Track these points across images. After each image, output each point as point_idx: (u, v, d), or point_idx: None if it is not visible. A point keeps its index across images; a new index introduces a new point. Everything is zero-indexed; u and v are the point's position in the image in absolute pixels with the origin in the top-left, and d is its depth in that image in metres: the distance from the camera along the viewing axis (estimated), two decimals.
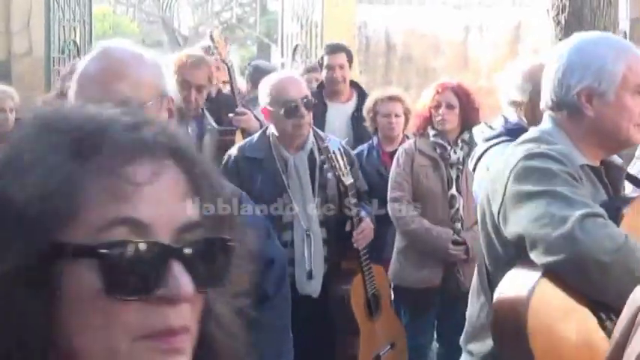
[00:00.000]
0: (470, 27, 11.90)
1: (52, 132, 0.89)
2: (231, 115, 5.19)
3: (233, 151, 4.34)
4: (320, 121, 5.49)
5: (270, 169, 4.20)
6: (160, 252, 0.87)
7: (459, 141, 4.84)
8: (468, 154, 4.77)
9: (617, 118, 2.29)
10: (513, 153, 2.30)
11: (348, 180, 4.10)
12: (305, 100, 4.25)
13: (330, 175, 4.21)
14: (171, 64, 4.74)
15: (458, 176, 4.78)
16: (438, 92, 4.80)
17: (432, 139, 4.81)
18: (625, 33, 9.48)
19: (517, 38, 11.89)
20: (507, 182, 2.19)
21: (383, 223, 4.75)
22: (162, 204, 0.88)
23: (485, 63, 11.84)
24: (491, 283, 2.33)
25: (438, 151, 4.78)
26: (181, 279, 0.87)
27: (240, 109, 5.21)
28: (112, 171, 0.86)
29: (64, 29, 10.52)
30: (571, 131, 2.33)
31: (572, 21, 5.10)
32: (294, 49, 11.84)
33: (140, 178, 0.87)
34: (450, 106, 4.79)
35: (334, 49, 6.64)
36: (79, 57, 7.81)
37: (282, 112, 4.16)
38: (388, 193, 4.84)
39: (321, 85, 6.59)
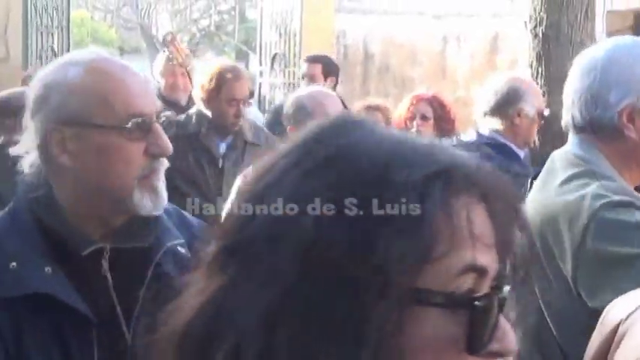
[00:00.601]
0: (448, 37, 11.95)
1: (402, 168, 0.81)
2: None
3: None
4: None
5: None
6: (499, 303, 0.83)
7: None
8: None
9: None
10: (571, 194, 1.97)
11: None
12: None
13: None
14: (210, 81, 4.48)
15: None
16: (412, 104, 4.83)
17: None
18: None
19: (495, 49, 11.95)
20: (584, 239, 1.86)
21: None
22: (490, 248, 0.83)
23: (463, 73, 11.90)
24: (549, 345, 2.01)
25: None
26: (511, 333, 0.83)
27: None
28: (460, 212, 0.81)
29: (41, 35, 10.47)
30: (610, 155, 2.05)
31: (549, 34, 5.13)
32: (273, 58, 11.85)
33: (476, 220, 0.82)
34: (424, 118, 4.81)
35: (310, 59, 6.53)
36: None
37: None
38: None
39: None
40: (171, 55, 5.17)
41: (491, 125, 4.04)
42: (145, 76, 1.85)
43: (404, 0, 12.06)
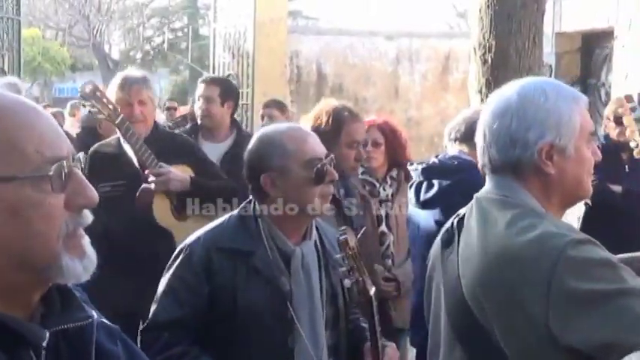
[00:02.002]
0: (400, 58, 12.06)
1: None
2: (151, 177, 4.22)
3: (194, 240, 2.91)
4: None
5: (264, 268, 2.85)
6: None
7: (388, 178, 4.86)
8: (397, 191, 4.83)
9: (578, 172, 2.09)
10: (526, 235, 1.93)
11: (372, 289, 2.98)
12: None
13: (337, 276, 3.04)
14: (326, 122, 4.14)
15: (387, 213, 4.80)
16: (366, 131, 4.83)
17: (360, 176, 4.83)
18: (550, 67, 9.70)
19: (447, 69, 12.08)
20: (554, 279, 1.83)
21: None
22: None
23: (415, 93, 12.01)
24: None
25: (367, 188, 4.80)
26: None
27: (155, 168, 4.20)
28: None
29: None
30: (532, 192, 2.08)
31: (498, 61, 5.20)
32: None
33: None
34: (375, 144, 4.81)
35: (207, 80, 5.92)
36: None
37: (308, 174, 2.86)
38: None
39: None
40: (93, 109, 4.19)
41: (460, 149, 4.40)
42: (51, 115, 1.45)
43: (357, 21, 12.17)
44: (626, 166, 5.75)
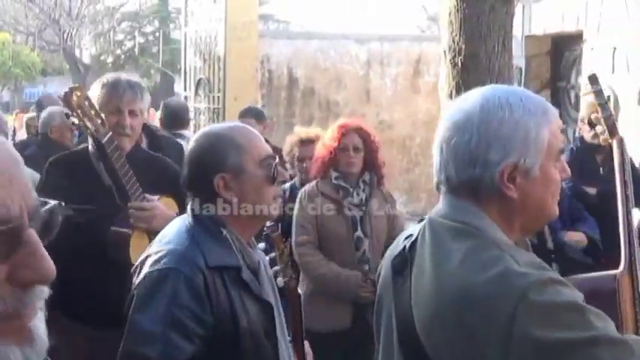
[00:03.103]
0: (371, 61, 12.08)
1: None
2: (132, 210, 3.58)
3: (175, 261, 2.55)
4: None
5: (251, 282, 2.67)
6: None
7: (360, 182, 4.87)
8: (370, 195, 4.84)
9: (543, 195, 1.87)
10: (484, 272, 1.73)
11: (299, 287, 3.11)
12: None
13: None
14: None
15: (362, 217, 4.80)
16: (343, 134, 4.82)
17: (334, 181, 4.82)
18: (521, 70, 9.76)
19: (418, 72, 12.12)
20: (513, 325, 1.65)
21: None
22: None
23: (386, 97, 12.04)
24: None
25: (341, 193, 4.80)
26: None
27: (139, 201, 3.59)
28: None
29: None
30: (492, 216, 1.86)
31: (468, 64, 5.21)
32: (198, 83, 11.83)
33: None
34: (356, 149, 4.82)
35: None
36: None
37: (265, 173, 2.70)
38: (292, 237, 4.78)
39: None
40: (78, 122, 3.54)
41: None
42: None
43: (328, 24, 12.18)
44: (601, 169, 5.79)
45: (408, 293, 1.88)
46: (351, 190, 4.82)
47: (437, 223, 1.89)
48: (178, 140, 6.11)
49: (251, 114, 7.22)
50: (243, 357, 2.52)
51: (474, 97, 1.88)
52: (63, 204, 1.13)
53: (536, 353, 1.63)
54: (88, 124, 3.51)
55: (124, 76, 4.03)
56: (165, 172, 4.06)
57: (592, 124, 5.89)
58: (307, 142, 5.45)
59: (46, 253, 1.02)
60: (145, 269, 2.51)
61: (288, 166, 5.53)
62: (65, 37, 35.25)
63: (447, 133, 1.87)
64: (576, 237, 5.37)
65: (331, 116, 11.12)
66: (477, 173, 1.82)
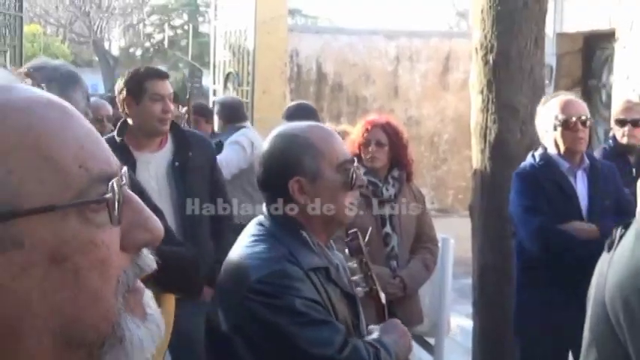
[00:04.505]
0: (400, 57, 12.04)
1: None
2: None
3: (282, 263, 2.49)
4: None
5: (339, 281, 2.68)
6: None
7: (390, 178, 4.86)
8: (399, 191, 4.82)
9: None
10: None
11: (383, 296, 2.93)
12: None
13: None
14: None
15: (391, 213, 4.79)
16: (367, 130, 4.82)
17: (362, 176, 4.81)
18: (551, 68, 9.69)
19: (447, 69, 12.07)
20: None
21: None
22: None
23: (415, 93, 12.00)
24: None
25: (370, 188, 4.79)
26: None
27: None
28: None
29: None
30: None
31: (499, 61, 5.18)
32: (227, 77, 11.86)
33: None
34: (379, 144, 4.80)
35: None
36: None
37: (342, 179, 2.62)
38: None
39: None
40: None
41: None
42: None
43: (357, 20, 12.17)
44: (634, 169, 5.74)
45: (607, 263, 1.93)
46: (381, 185, 4.81)
47: None
48: (243, 132, 6.85)
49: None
50: None
51: None
52: None
53: None
54: None
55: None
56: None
57: (622, 123, 5.87)
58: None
59: (151, 211, 0.96)
60: (246, 283, 2.40)
61: None
62: (95, 29, 35.45)
63: None
64: None
65: (359, 111, 11.11)
66: None
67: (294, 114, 6.59)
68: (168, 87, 4.30)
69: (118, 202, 0.90)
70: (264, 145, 2.68)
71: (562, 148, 4.50)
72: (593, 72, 9.99)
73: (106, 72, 33.82)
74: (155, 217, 0.95)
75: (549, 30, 8.49)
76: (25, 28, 12.12)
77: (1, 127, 0.84)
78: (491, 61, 5.22)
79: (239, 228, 2.87)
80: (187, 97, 9.16)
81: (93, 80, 31.02)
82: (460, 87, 11.35)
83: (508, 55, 5.18)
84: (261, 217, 2.62)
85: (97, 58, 37.65)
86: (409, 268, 4.72)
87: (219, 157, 6.44)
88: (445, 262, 5.37)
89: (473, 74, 5.42)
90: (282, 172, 2.56)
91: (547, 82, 8.11)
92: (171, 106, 4.29)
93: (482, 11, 5.25)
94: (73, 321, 0.87)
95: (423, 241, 4.93)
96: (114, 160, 0.94)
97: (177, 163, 4.35)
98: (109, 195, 0.88)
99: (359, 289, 2.65)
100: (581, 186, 4.55)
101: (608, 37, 9.04)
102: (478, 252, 5.49)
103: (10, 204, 0.82)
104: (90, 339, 0.89)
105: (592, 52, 9.97)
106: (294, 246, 2.50)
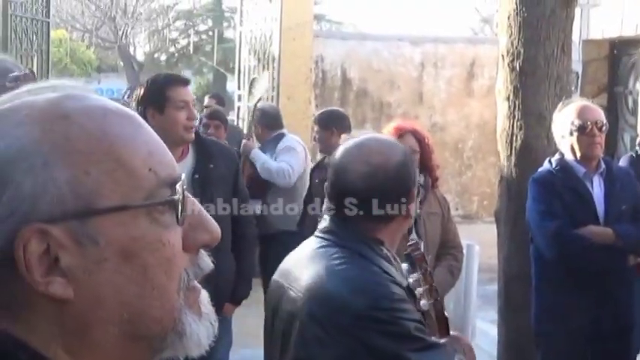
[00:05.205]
0: (425, 63, 12.03)
1: None
2: None
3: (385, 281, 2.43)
4: None
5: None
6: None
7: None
8: (424, 198, 4.82)
9: None
10: None
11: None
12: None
13: None
14: None
15: (416, 219, 4.78)
16: (401, 136, 4.80)
17: None
18: (577, 75, 9.65)
19: (472, 75, 12.04)
20: None
21: None
22: None
23: (440, 99, 11.98)
24: None
25: None
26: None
27: None
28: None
29: (21, 58, 10.43)
30: None
31: (526, 68, 5.18)
32: (251, 82, 11.88)
33: None
34: (414, 152, 4.80)
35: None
36: None
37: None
38: None
39: None
40: None
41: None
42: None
43: (380, 25, 12.16)
44: None
45: None
46: None
47: None
48: (291, 138, 7.06)
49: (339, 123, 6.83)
50: None
51: None
52: None
53: None
54: None
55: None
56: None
57: None
58: None
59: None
60: (351, 310, 2.28)
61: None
62: (120, 34, 35.64)
63: None
64: None
65: (384, 117, 11.11)
66: None
67: (328, 120, 6.66)
68: (190, 93, 4.24)
69: (182, 203, 0.97)
70: (375, 157, 2.48)
71: (578, 154, 4.51)
72: (619, 79, 9.94)
73: (131, 77, 33.96)
74: (213, 220, 1.02)
75: (575, 36, 8.45)
76: (52, 33, 12.20)
77: (79, 132, 0.92)
78: (517, 68, 5.22)
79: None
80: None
81: (118, 85, 31.22)
82: (485, 93, 11.32)
83: (535, 61, 5.18)
84: (327, 235, 2.48)
85: (122, 63, 37.82)
86: (435, 275, 4.73)
87: (283, 165, 6.58)
88: (470, 268, 5.37)
89: (499, 81, 5.42)
90: (401, 187, 2.46)
91: (573, 88, 8.08)
92: (196, 113, 4.23)
93: (508, 18, 5.25)
94: (139, 314, 0.94)
95: (447, 248, 4.93)
96: (176, 165, 1.01)
97: (197, 176, 4.24)
98: (176, 197, 0.96)
99: (423, 301, 2.50)
100: (597, 191, 4.57)
101: (635, 43, 9.00)
102: (504, 259, 5.48)
103: (87, 203, 0.91)
104: (153, 332, 0.96)
105: (618, 58, 9.93)
106: (384, 264, 2.40)
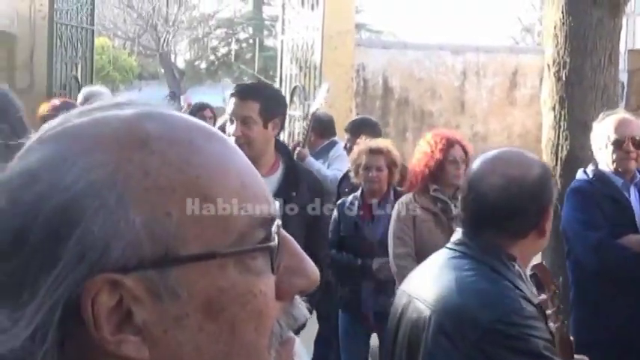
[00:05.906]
0: (467, 72, 11.98)
1: None
2: None
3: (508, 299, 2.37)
4: None
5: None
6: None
7: (458, 194, 4.82)
8: None
9: None
10: None
11: None
12: None
13: None
14: None
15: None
16: (450, 146, 4.76)
17: (432, 193, 4.79)
18: (622, 84, 9.55)
19: (514, 84, 11.97)
20: None
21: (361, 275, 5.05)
22: None
23: (481, 108, 11.92)
24: None
25: (439, 205, 4.76)
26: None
27: None
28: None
29: (66, 65, 10.58)
30: None
31: (572, 78, 5.13)
32: (293, 91, 11.90)
33: None
34: (463, 161, 4.78)
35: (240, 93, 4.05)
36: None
37: None
38: (390, 248, 4.76)
39: None
40: None
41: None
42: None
43: (423, 34, 12.13)
44: None
45: None
46: (449, 203, 4.77)
47: None
48: (335, 146, 7.18)
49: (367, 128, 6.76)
50: None
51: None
52: None
53: None
54: None
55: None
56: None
57: None
58: (376, 152, 5.37)
59: (305, 254, 0.87)
60: (480, 324, 2.21)
61: (352, 174, 5.49)
62: (162, 42, 35.92)
63: None
64: None
65: (425, 127, 11.08)
66: None
67: (358, 127, 6.65)
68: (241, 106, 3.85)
69: (278, 247, 0.82)
70: (515, 171, 2.42)
71: (612, 167, 4.48)
72: None
73: (172, 84, 34.23)
74: (310, 261, 0.86)
75: (621, 46, 8.38)
76: (95, 41, 12.34)
77: (160, 164, 0.78)
78: (564, 78, 5.17)
79: None
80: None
81: (159, 92, 31.44)
82: (528, 102, 11.26)
83: (582, 71, 5.13)
84: (459, 247, 2.42)
85: (163, 71, 38.12)
86: None
87: (338, 174, 6.59)
88: None
89: (544, 91, 5.38)
90: (537, 200, 2.38)
91: (619, 99, 8.00)
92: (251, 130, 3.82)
93: (554, 27, 5.21)
94: None
95: None
96: (270, 196, 0.86)
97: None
98: (272, 243, 0.81)
99: (551, 324, 2.40)
100: (634, 200, 4.53)
101: None
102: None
103: (167, 250, 0.77)
104: None
105: None
106: (515, 280, 2.32)
